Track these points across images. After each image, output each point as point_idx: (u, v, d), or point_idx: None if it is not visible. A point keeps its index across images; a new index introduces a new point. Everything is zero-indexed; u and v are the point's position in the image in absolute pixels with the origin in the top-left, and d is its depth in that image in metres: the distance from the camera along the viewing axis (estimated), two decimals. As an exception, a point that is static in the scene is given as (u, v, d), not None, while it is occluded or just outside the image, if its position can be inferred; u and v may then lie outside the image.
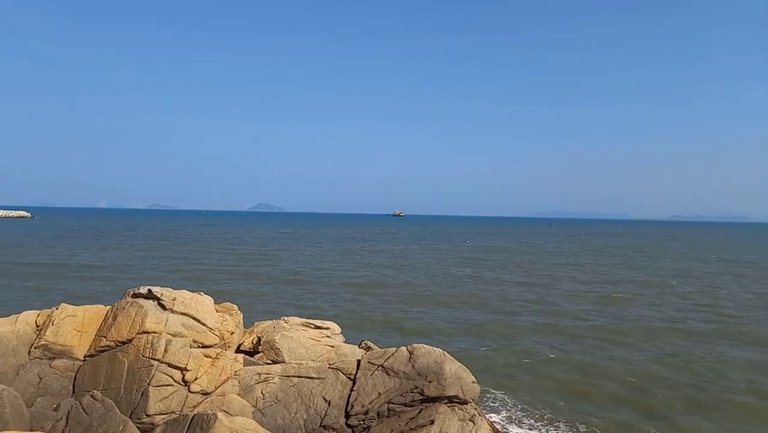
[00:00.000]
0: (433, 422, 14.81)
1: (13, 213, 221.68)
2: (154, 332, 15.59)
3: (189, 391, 14.65)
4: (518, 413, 20.52)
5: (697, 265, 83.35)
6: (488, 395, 22.02)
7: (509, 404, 21.34)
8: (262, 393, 15.36)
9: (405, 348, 16.15)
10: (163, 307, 16.50)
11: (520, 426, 19.31)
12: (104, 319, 16.69)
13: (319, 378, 15.80)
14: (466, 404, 15.73)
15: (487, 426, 15.63)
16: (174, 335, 15.70)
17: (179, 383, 14.64)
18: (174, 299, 16.76)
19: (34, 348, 15.81)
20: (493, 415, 19.84)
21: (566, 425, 19.44)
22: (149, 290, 16.88)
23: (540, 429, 19.14)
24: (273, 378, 15.72)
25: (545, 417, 20.11)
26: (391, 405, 15.22)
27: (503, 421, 19.60)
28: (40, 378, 15.17)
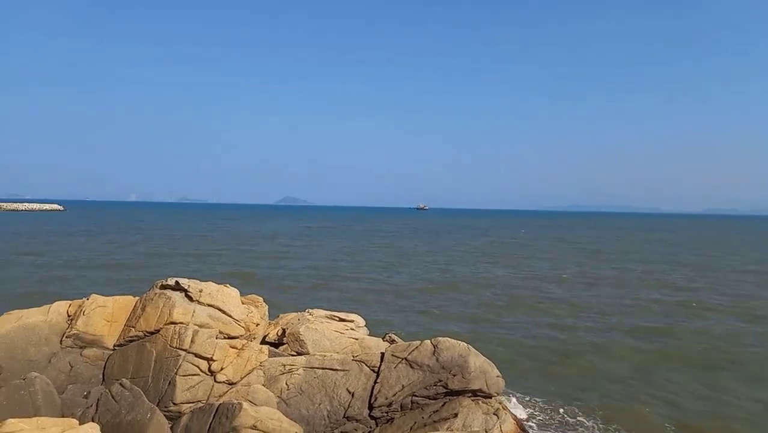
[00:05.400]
0: (456, 415, 14.74)
1: (47, 206, 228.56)
2: (181, 323, 15.82)
3: (215, 381, 14.85)
4: (544, 407, 20.25)
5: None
6: (513, 390, 21.79)
7: (534, 399, 21.07)
8: (286, 384, 15.48)
9: (429, 341, 16.07)
10: (190, 298, 16.72)
11: (545, 420, 19.04)
12: (133, 309, 17.01)
13: (343, 370, 15.85)
14: (491, 397, 15.62)
15: (512, 420, 15.46)
16: (201, 326, 15.91)
17: (205, 373, 14.85)
18: (201, 291, 16.96)
19: (66, 337, 16.20)
20: (517, 409, 19.60)
21: (591, 420, 19.11)
22: (177, 282, 17.12)
23: (565, 424, 18.85)
24: (297, 369, 15.83)
25: (571, 412, 19.79)
26: (414, 398, 15.19)
27: (528, 415, 19.36)
28: (71, 366, 15.55)
